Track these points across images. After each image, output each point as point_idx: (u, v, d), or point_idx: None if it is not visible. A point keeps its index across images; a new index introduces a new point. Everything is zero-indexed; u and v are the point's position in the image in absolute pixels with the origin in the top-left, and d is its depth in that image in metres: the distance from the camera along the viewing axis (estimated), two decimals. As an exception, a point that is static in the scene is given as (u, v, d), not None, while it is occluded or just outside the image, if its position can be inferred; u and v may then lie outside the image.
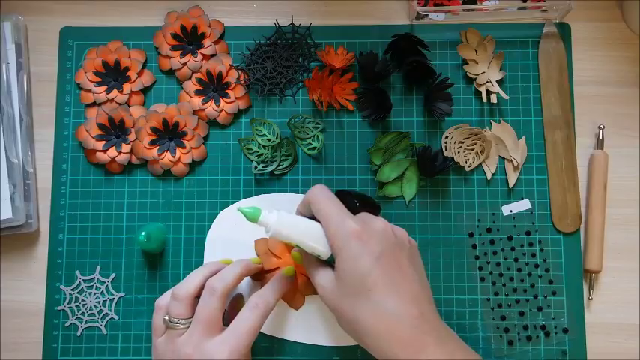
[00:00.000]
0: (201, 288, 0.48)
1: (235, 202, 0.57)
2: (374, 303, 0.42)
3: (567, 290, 0.55)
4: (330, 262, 0.47)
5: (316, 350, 0.55)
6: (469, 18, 0.59)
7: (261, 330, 0.54)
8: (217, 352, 0.44)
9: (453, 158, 0.56)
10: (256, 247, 0.55)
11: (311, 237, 0.46)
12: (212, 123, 0.58)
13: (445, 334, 0.44)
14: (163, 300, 0.49)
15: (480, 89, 0.57)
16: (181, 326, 0.46)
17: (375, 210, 0.48)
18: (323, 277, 0.45)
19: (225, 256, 0.54)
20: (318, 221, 0.47)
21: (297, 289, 0.54)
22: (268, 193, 0.57)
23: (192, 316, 0.47)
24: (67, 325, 0.56)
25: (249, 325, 0.46)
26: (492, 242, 0.56)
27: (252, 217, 0.46)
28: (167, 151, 0.57)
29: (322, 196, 0.46)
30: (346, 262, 0.43)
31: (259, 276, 0.54)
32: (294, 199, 0.56)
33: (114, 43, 0.59)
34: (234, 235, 0.56)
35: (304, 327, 0.55)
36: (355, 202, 0.48)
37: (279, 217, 0.46)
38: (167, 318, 0.47)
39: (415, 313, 0.42)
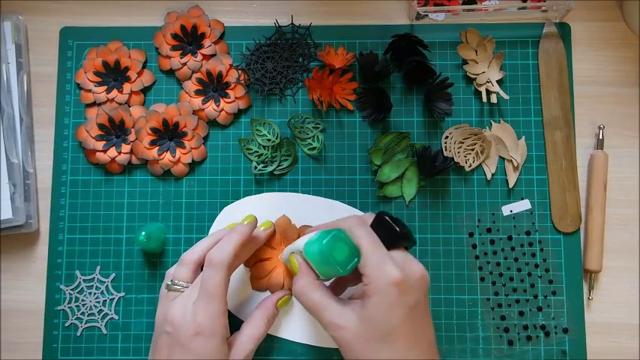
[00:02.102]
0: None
1: (235, 201, 0.57)
2: (397, 352, 0.41)
3: (567, 290, 0.55)
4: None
5: (316, 350, 0.55)
6: (469, 18, 0.59)
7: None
8: (199, 313, 0.44)
9: (452, 158, 0.56)
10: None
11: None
12: (212, 123, 0.58)
13: None
14: (172, 269, 0.50)
15: (480, 89, 0.57)
16: (181, 289, 0.47)
17: (411, 243, 0.45)
18: (343, 318, 0.42)
19: None
20: None
21: (287, 282, 0.54)
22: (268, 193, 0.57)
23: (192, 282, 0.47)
24: (67, 325, 0.56)
25: (214, 284, 0.45)
26: (492, 242, 0.56)
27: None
28: (167, 151, 0.57)
29: (360, 227, 0.44)
30: (378, 308, 0.41)
31: (249, 262, 0.54)
32: (294, 199, 0.56)
33: (114, 43, 0.59)
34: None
35: (304, 327, 0.55)
36: (395, 228, 0.44)
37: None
38: (170, 282, 0.47)
39: None
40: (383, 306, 0.41)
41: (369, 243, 0.43)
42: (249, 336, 0.48)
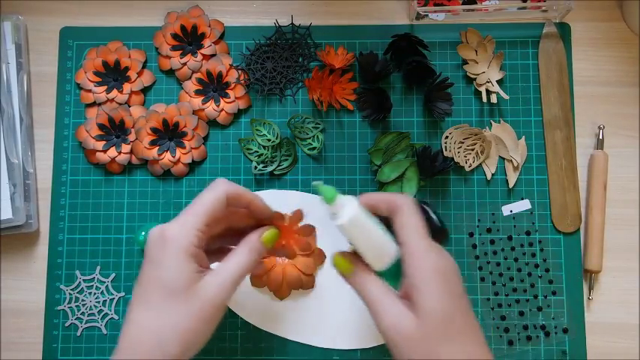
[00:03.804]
0: None
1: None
2: (461, 349, 0.38)
3: (567, 290, 0.55)
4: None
5: (316, 350, 0.55)
6: (469, 18, 0.59)
7: (261, 327, 0.55)
8: (170, 226, 0.41)
9: (452, 158, 0.56)
10: None
11: (376, 248, 0.41)
12: (212, 123, 0.58)
13: None
14: None
15: (480, 89, 0.57)
16: None
17: (446, 237, 0.44)
18: (399, 317, 0.38)
19: None
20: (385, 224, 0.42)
21: (285, 280, 0.54)
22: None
23: None
24: (67, 325, 0.56)
25: (200, 200, 0.42)
26: (492, 242, 0.56)
27: (328, 197, 0.40)
28: (167, 151, 0.57)
29: (415, 214, 0.41)
30: (432, 301, 0.38)
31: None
32: (296, 197, 0.56)
33: (114, 43, 0.59)
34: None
35: (305, 327, 0.55)
36: (439, 223, 0.43)
37: (357, 214, 0.40)
38: None
39: (490, 357, 0.40)
40: (434, 298, 0.38)
41: (419, 230, 0.40)
42: (228, 270, 0.41)
